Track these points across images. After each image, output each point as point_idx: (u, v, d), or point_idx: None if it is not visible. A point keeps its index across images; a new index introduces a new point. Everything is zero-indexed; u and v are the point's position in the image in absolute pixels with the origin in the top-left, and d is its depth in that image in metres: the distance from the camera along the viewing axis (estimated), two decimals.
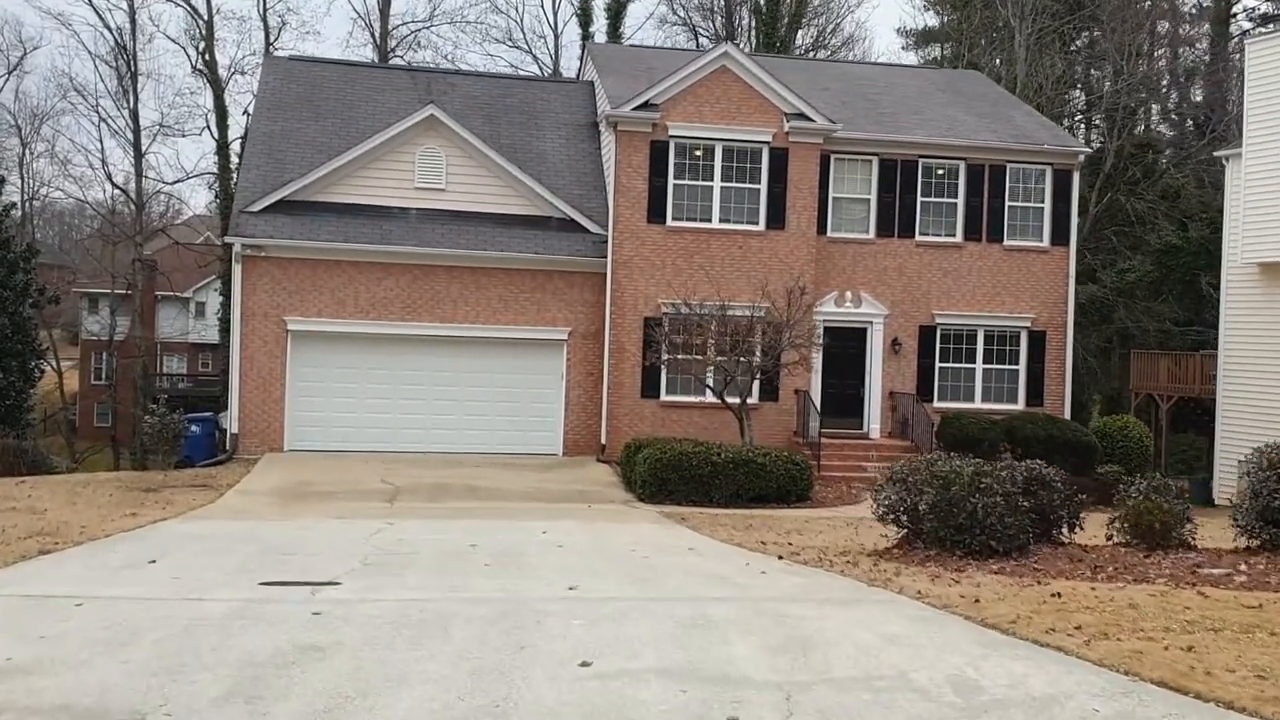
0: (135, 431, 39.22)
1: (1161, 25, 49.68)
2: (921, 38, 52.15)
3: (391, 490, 19.19)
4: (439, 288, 23.75)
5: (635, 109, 23.55)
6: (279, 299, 23.28)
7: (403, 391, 23.74)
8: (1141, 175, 41.45)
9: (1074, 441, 23.13)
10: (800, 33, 44.15)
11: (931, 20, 51.96)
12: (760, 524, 16.70)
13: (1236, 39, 48.76)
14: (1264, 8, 49.75)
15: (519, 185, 24.33)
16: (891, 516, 12.30)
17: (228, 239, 24.34)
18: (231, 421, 23.28)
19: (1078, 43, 47.87)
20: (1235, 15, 49.41)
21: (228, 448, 23.29)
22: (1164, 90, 49.81)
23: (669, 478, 19.02)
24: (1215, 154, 29.15)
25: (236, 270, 23.31)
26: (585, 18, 46.14)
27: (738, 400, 21.41)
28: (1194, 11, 50.33)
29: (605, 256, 23.89)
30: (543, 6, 79.16)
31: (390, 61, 43.01)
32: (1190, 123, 47.74)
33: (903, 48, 55.06)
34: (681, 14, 45.63)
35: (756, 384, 22.17)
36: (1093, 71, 48.21)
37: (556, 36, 48.61)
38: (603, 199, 25.07)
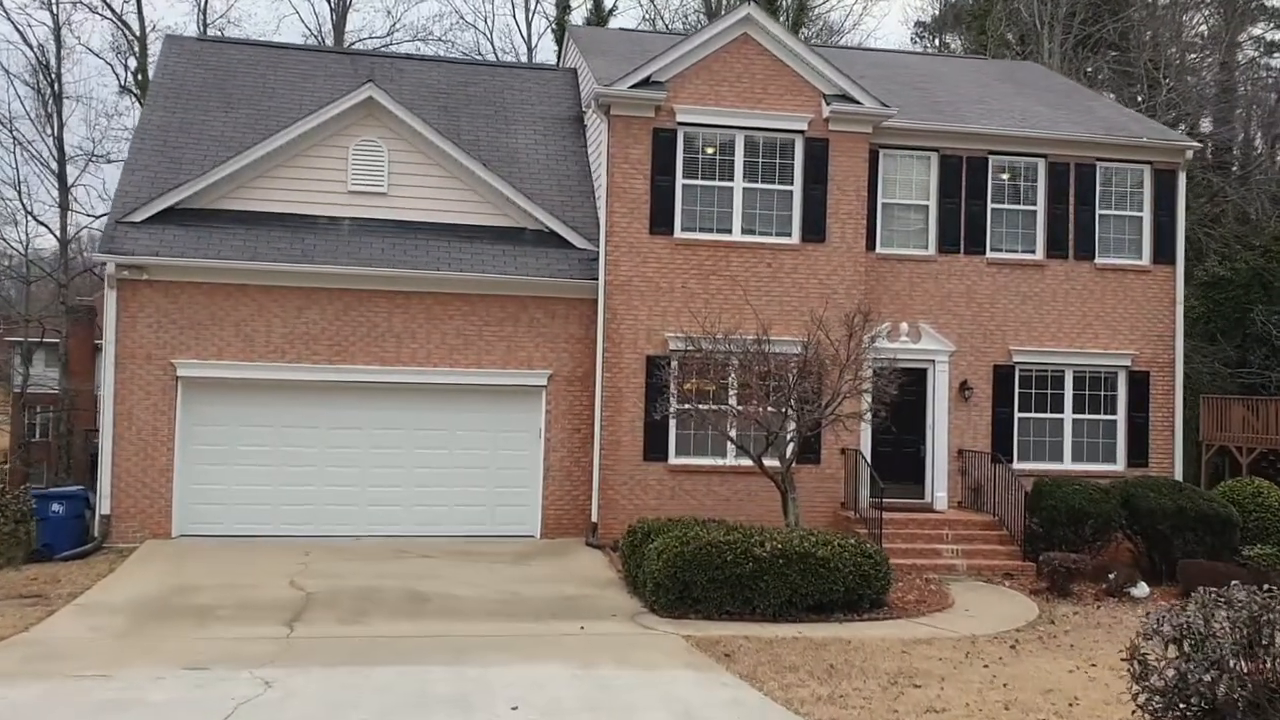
0: None
1: (1172, 50, 46.08)
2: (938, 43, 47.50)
3: (299, 601, 13.49)
4: (379, 320, 18.18)
5: (634, 86, 18.19)
6: (166, 336, 17.64)
7: (332, 457, 18.07)
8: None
9: (1209, 515, 17.71)
10: (801, 31, 39.16)
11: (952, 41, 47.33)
12: (846, 662, 11.12)
13: (1243, 67, 45.15)
14: (1271, 35, 46.15)
15: (484, 189, 18.88)
16: (1177, 713, 6.68)
17: (97, 256, 18.72)
18: (102, 499, 17.52)
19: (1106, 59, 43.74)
20: (1241, 43, 45.71)
21: (96, 534, 17.51)
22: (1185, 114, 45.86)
23: (694, 580, 13.43)
24: None
25: (110, 298, 17.66)
26: (561, 32, 41.10)
27: (778, 464, 15.90)
28: (1199, 40, 46.71)
29: (596, 278, 18.41)
30: (514, 17, 73.94)
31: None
32: (1209, 148, 44.01)
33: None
34: (672, 17, 40.57)
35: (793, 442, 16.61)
36: (1124, 90, 44.06)
37: (530, 51, 43.48)
38: (591, 206, 19.65)
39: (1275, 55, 46.53)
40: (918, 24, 50.67)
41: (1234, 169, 41.75)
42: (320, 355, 17.97)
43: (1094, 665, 11.71)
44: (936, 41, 48.14)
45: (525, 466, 18.59)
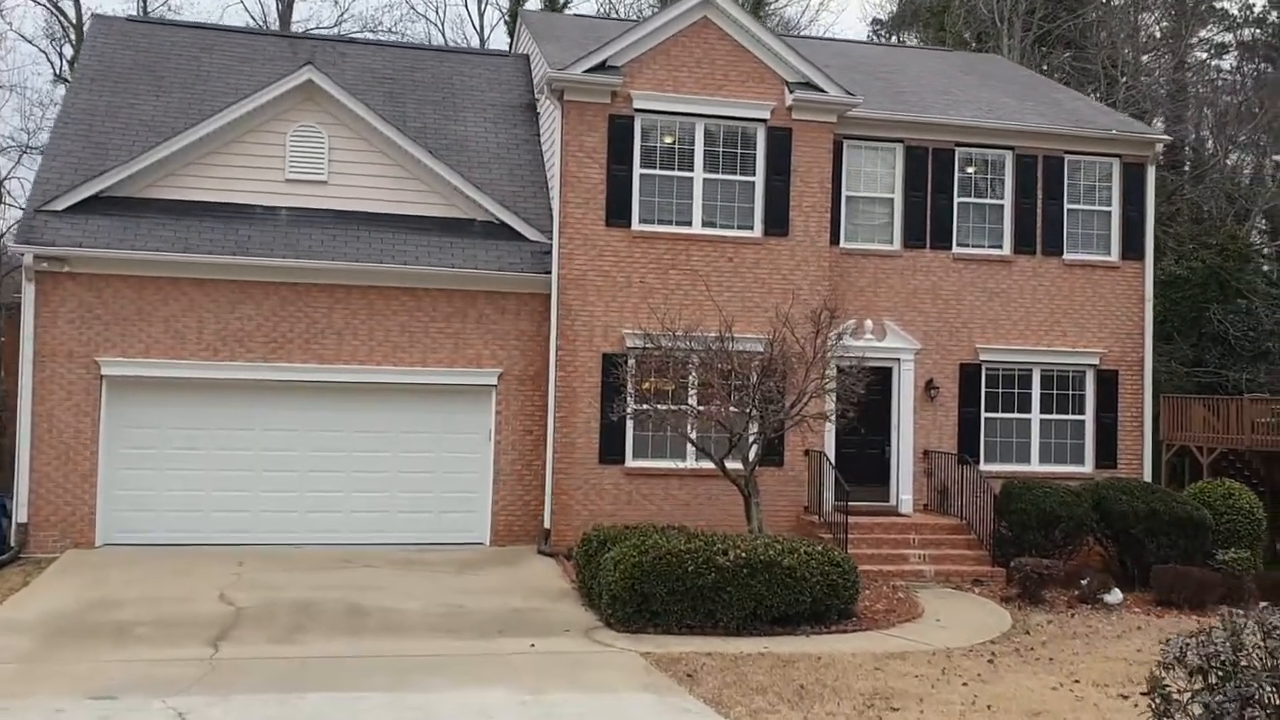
0: None
1: (1126, 50, 46.04)
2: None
3: (228, 617, 12.51)
4: (318, 315, 17.18)
5: (589, 70, 17.32)
6: (90, 332, 16.53)
7: (268, 461, 17.05)
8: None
9: (1183, 518, 17.17)
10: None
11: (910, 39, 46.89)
12: (817, 681, 10.34)
13: (1194, 68, 45.24)
14: (1220, 38, 46.30)
15: (430, 178, 17.94)
16: None
17: (14, 247, 17.53)
18: (18, 507, 16.38)
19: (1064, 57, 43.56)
20: (1193, 45, 45.82)
21: (13, 543, 16.36)
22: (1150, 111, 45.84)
23: (653, 591, 12.59)
24: (1276, 157, 23.80)
25: (28, 291, 16.52)
26: (515, 21, 40.07)
27: (740, 467, 15.13)
28: (1151, 40, 46.73)
29: (549, 272, 17.54)
30: (466, 7, 72.38)
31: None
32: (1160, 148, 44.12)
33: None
34: (627, 11, 39.66)
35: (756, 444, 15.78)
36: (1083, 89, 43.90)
37: (483, 43, 42.40)
38: (544, 197, 18.77)
39: (1225, 57, 46.77)
40: (875, 21, 50.13)
41: (1186, 168, 41.81)
42: (256, 353, 16.93)
43: (1077, 681, 11.04)
44: (894, 39, 47.69)
45: (474, 470, 17.67)
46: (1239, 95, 44.57)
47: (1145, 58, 46.28)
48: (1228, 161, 42.70)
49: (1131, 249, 20.14)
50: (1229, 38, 46.68)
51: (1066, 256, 19.86)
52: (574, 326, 17.43)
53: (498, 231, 18.00)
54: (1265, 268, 38.42)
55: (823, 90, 18.00)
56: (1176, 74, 44.39)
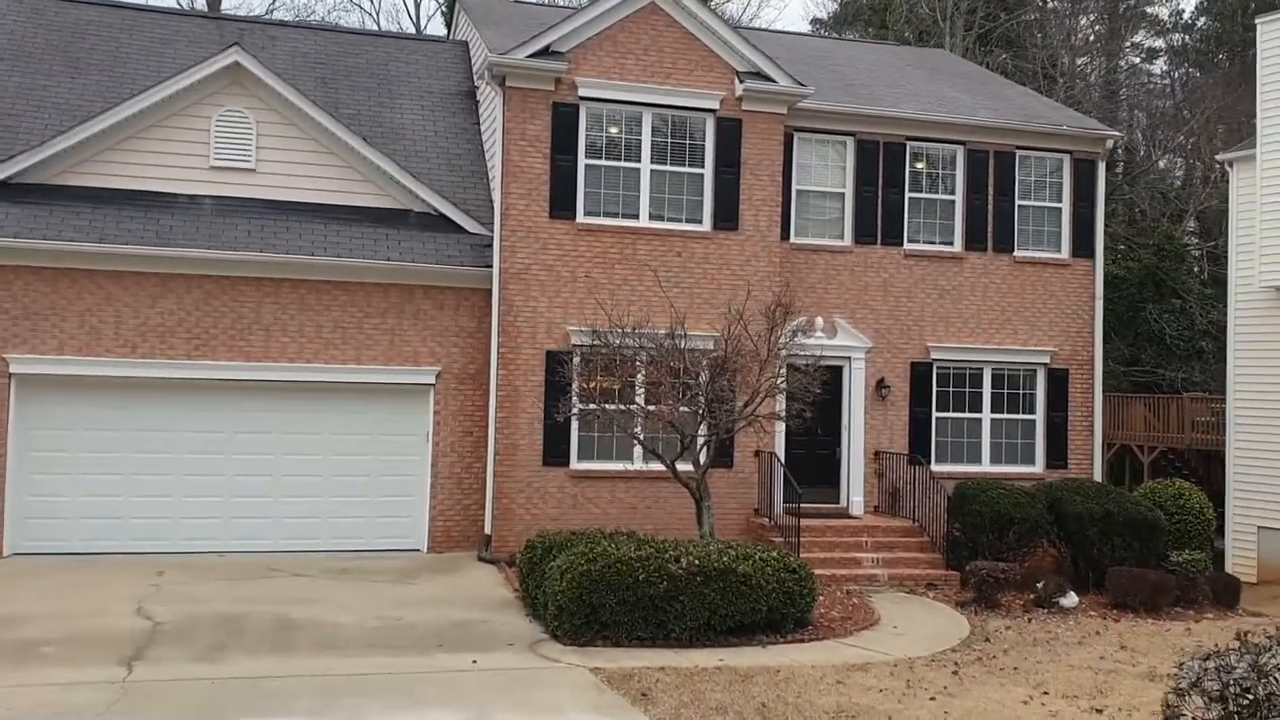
0: None
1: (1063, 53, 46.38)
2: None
3: (144, 633, 11.62)
4: (245, 310, 16.27)
5: (532, 55, 16.60)
6: None
7: (190, 464, 16.11)
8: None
9: (1137, 519, 16.89)
10: None
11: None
12: (779, 699, 9.75)
13: (1126, 72, 45.71)
14: (1151, 43, 46.90)
15: (365, 166, 17.11)
16: None
17: None
18: None
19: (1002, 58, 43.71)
20: (1125, 50, 46.32)
21: None
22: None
23: (603, 602, 11.92)
24: (1219, 157, 23.76)
25: None
26: (452, 11, 39.12)
27: (691, 469, 14.53)
28: (1084, 44, 47.14)
29: (490, 265, 16.80)
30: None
31: None
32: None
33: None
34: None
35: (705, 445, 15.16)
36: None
37: (419, 32, 41.38)
38: (484, 188, 18.03)
39: (1155, 61, 47.29)
40: (815, 20, 49.93)
41: (1119, 170, 42.16)
42: (178, 350, 15.98)
43: (1046, 693, 10.59)
44: (836, 37, 47.48)
45: (411, 473, 16.88)
46: (1168, 100, 45.10)
47: (1080, 60, 46.69)
48: (1160, 165, 43.16)
49: (1082, 246, 19.89)
50: (1159, 43, 47.29)
51: (1017, 253, 19.56)
52: (516, 323, 16.71)
53: (436, 223, 17.22)
54: (1196, 268, 38.83)
55: (773, 80, 17.47)
56: (1110, 77, 44.78)
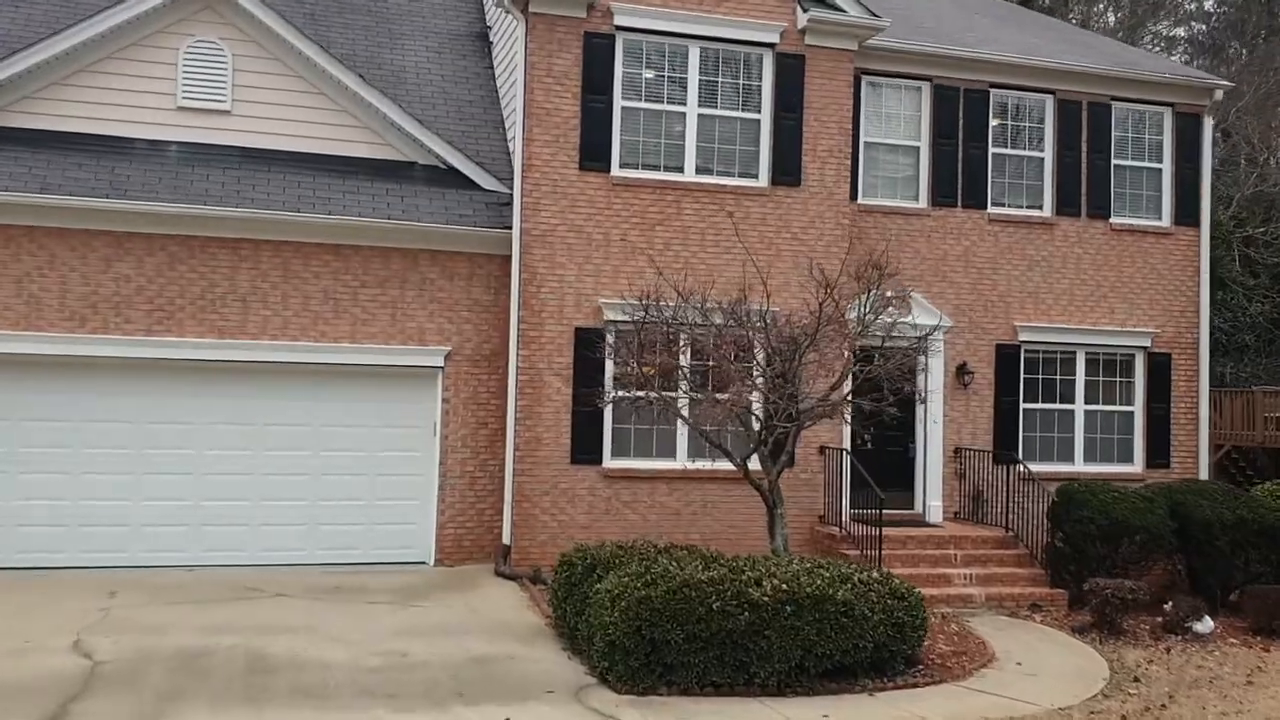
0: None
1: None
2: None
3: (79, 677, 8.97)
4: (218, 277, 13.59)
5: None
6: None
7: (153, 461, 13.45)
8: None
9: (1276, 528, 14.31)
10: None
11: None
12: None
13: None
14: (1172, 31, 44.61)
15: (361, 110, 14.46)
16: None
17: None
18: None
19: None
20: (1144, 40, 44.00)
21: None
22: None
23: (668, 638, 9.28)
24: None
25: None
26: None
27: (759, 469, 11.89)
28: (1102, 30, 44.99)
29: (509, 227, 14.15)
30: None
31: None
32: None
33: None
34: None
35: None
36: None
37: None
38: (499, 139, 15.41)
39: (1174, 53, 45.02)
40: None
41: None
42: (136, 324, 13.31)
43: None
44: None
45: (416, 472, 14.21)
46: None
47: None
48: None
49: (1185, 213, 17.30)
50: (1179, 31, 45.10)
51: (1114, 220, 16.96)
52: (540, 294, 14.05)
53: (445, 178, 14.58)
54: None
55: (842, 9, 14.84)
56: None
